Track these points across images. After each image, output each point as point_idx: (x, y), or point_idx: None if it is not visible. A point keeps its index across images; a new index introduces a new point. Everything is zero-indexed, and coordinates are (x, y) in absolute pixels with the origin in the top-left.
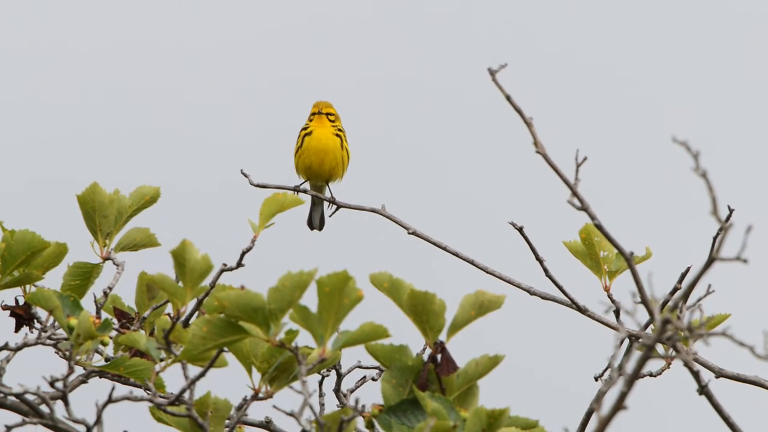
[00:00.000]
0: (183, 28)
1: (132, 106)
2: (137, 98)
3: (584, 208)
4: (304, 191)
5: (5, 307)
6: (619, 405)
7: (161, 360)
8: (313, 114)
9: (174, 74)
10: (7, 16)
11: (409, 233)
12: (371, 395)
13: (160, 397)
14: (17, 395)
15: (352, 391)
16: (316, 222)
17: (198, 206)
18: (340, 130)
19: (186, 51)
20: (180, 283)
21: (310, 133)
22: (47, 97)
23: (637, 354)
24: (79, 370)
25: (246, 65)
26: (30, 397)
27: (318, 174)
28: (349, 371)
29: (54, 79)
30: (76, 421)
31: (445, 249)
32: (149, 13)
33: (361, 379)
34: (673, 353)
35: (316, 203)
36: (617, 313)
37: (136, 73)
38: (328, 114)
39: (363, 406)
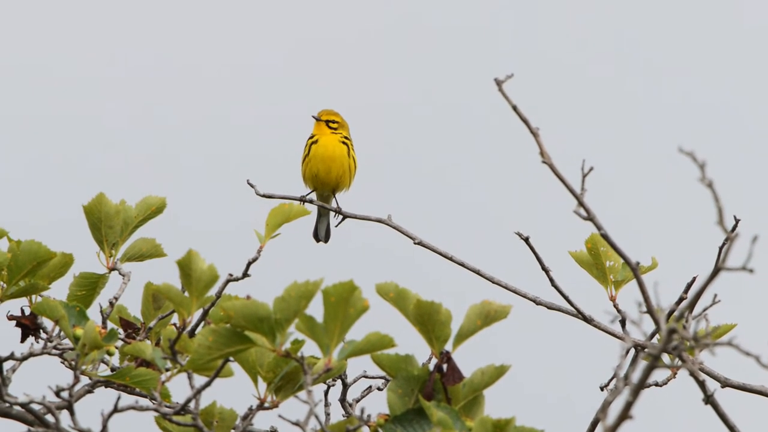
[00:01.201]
0: (190, 52)
1: (140, 116)
2: (144, 109)
3: (590, 218)
4: (311, 201)
5: (11, 317)
6: (624, 414)
7: (167, 370)
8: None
9: (181, 93)
10: (20, 35)
11: (415, 243)
12: (377, 405)
13: (166, 406)
14: (23, 405)
15: (357, 401)
16: (321, 234)
17: (205, 217)
18: (346, 137)
19: (191, 72)
20: (186, 293)
21: (316, 141)
22: (51, 112)
23: (642, 364)
24: (84, 380)
25: (249, 80)
26: (36, 407)
27: (325, 182)
28: (354, 381)
29: (63, 98)
30: (81, 431)
31: (450, 259)
32: (156, 41)
33: (366, 389)
34: (679, 363)
35: (322, 215)
36: (623, 322)
37: (143, 96)
38: (328, 122)
39: (368, 416)
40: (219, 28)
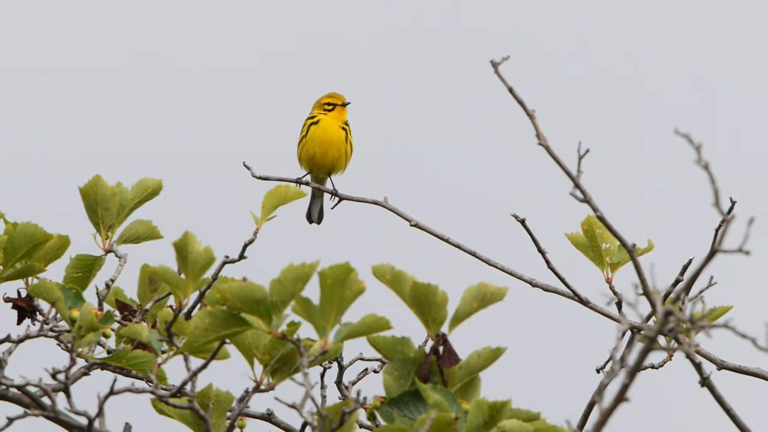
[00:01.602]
0: (190, 50)
1: (133, 103)
2: (138, 95)
3: (586, 200)
4: (307, 183)
5: (8, 299)
6: (620, 397)
7: (163, 352)
8: (330, 105)
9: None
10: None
11: (411, 225)
12: (373, 387)
13: (162, 389)
14: (19, 387)
15: (353, 383)
16: (314, 215)
17: (201, 197)
18: (346, 123)
19: (189, 66)
20: (182, 275)
21: (316, 123)
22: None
23: (639, 346)
24: (81, 362)
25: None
26: (32, 389)
27: (321, 165)
28: (350, 363)
29: (58, 88)
30: (78, 413)
31: (447, 241)
32: (160, 31)
33: (362, 371)
34: (675, 345)
35: (316, 196)
36: (619, 305)
37: (139, 85)
38: (335, 105)
39: (365, 398)
40: (220, 27)
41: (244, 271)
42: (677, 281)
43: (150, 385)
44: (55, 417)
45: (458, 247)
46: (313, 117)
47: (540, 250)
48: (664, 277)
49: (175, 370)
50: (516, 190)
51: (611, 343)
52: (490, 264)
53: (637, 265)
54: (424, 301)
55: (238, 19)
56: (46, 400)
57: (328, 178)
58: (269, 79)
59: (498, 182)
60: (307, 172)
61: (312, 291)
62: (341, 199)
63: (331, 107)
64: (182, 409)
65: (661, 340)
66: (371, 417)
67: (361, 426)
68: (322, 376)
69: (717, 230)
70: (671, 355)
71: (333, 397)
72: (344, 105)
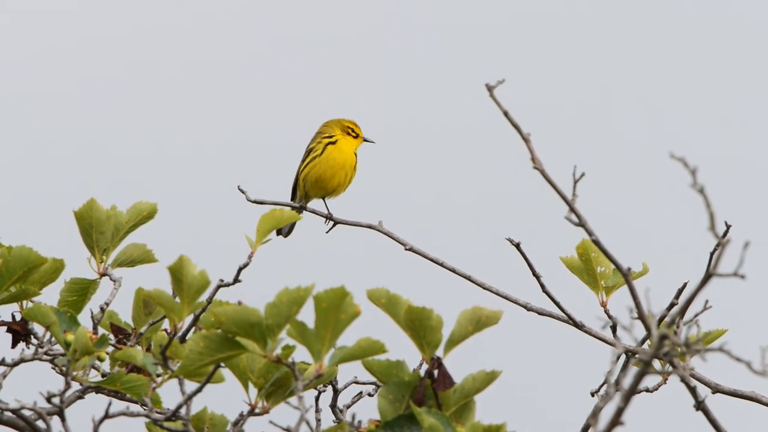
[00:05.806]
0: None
1: (129, 117)
2: (136, 108)
3: (581, 223)
4: (301, 207)
5: (2, 323)
6: (615, 421)
7: (158, 375)
8: (354, 133)
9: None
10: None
11: (405, 249)
12: (368, 411)
13: (157, 412)
14: (14, 411)
15: (348, 407)
16: (285, 229)
17: (195, 222)
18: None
19: (186, 66)
20: (177, 299)
21: (334, 143)
22: (45, 113)
23: (633, 369)
24: (75, 386)
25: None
26: (27, 413)
27: (323, 188)
28: (345, 387)
29: (49, 91)
30: None
31: (441, 265)
32: (156, 46)
33: (357, 395)
34: (670, 369)
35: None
36: (614, 328)
37: (133, 83)
38: (350, 129)
39: (359, 422)
40: (217, 29)
41: (238, 294)
42: (672, 305)
43: (145, 409)
44: None
45: (453, 270)
46: (331, 137)
47: (535, 274)
48: (659, 301)
49: (169, 394)
50: (511, 213)
51: (606, 366)
52: (484, 288)
53: (632, 289)
54: (419, 325)
55: (238, 19)
56: (41, 423)
57: (322, 201)
58: (267, 82)
59: (493, 205)
60: (304, 193)
61: (307, 315)
62: (336, 223)
63: (355, 135)
64: None
65: (656, 364)
66: None
67: None
68: (317, 399)
69: (712, 254)
70: (666, 379)
71: (328, 420)
72: (366, 141)
